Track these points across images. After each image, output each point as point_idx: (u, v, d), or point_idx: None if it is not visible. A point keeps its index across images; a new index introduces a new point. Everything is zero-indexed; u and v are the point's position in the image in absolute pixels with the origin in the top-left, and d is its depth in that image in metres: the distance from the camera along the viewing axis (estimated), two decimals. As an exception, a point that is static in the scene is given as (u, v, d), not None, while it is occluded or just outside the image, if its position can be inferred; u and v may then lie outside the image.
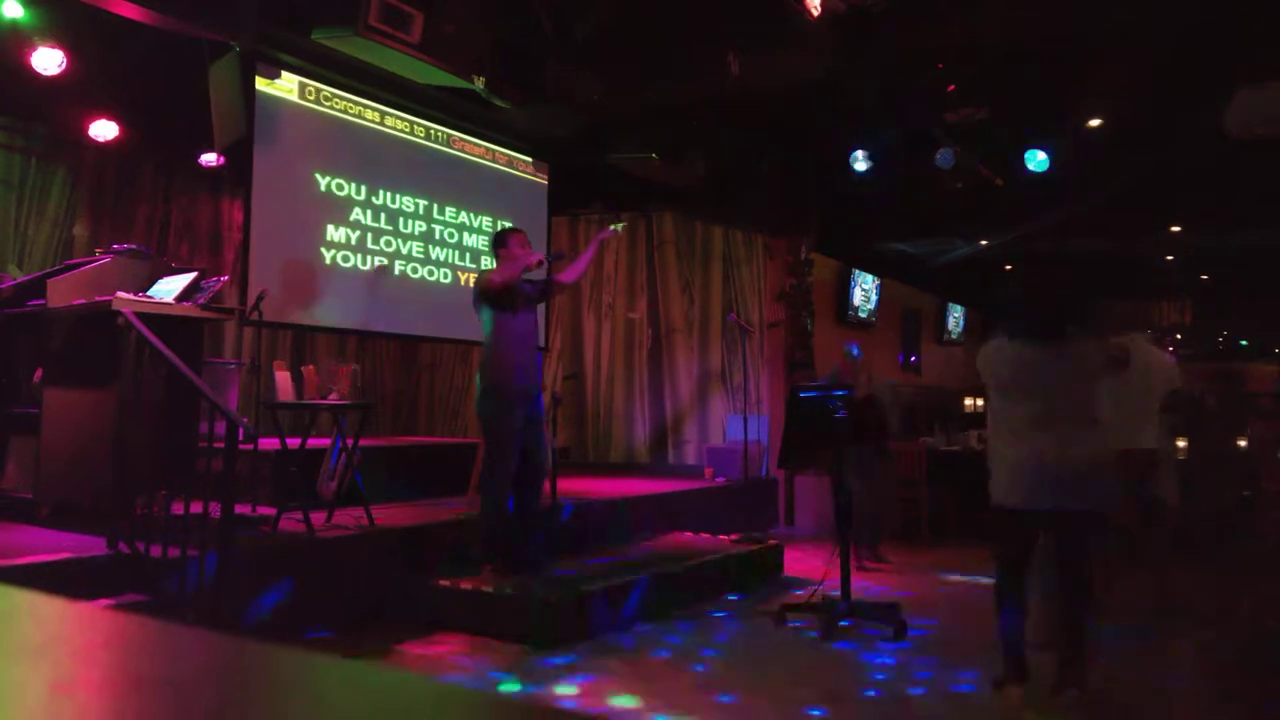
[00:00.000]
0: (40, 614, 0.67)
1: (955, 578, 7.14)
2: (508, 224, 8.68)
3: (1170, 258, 14.31)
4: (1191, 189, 9.79)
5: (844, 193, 9.19)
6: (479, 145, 8.72)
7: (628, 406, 11.07)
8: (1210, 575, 5.80)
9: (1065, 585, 4.19)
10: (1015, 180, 8.52)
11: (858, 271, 12.41)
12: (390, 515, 6.11)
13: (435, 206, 8.28)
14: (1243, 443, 8.66)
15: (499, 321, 5.59)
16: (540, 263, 5.79)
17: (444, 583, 5.44)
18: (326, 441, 6.22)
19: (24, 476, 5.31)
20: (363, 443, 6.09)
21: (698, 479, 9.78)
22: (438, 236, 8.30)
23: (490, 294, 5.55)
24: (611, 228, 6.10)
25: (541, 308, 7.00)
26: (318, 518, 5.60)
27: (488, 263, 8.52)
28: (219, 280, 5.56)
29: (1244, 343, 23.60)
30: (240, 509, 5.10)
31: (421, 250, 8.14)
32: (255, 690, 0.58)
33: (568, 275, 6.00)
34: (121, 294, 4.81)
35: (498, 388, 5.56)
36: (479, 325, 5.72)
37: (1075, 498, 4.06)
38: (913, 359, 14.71)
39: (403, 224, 7.97)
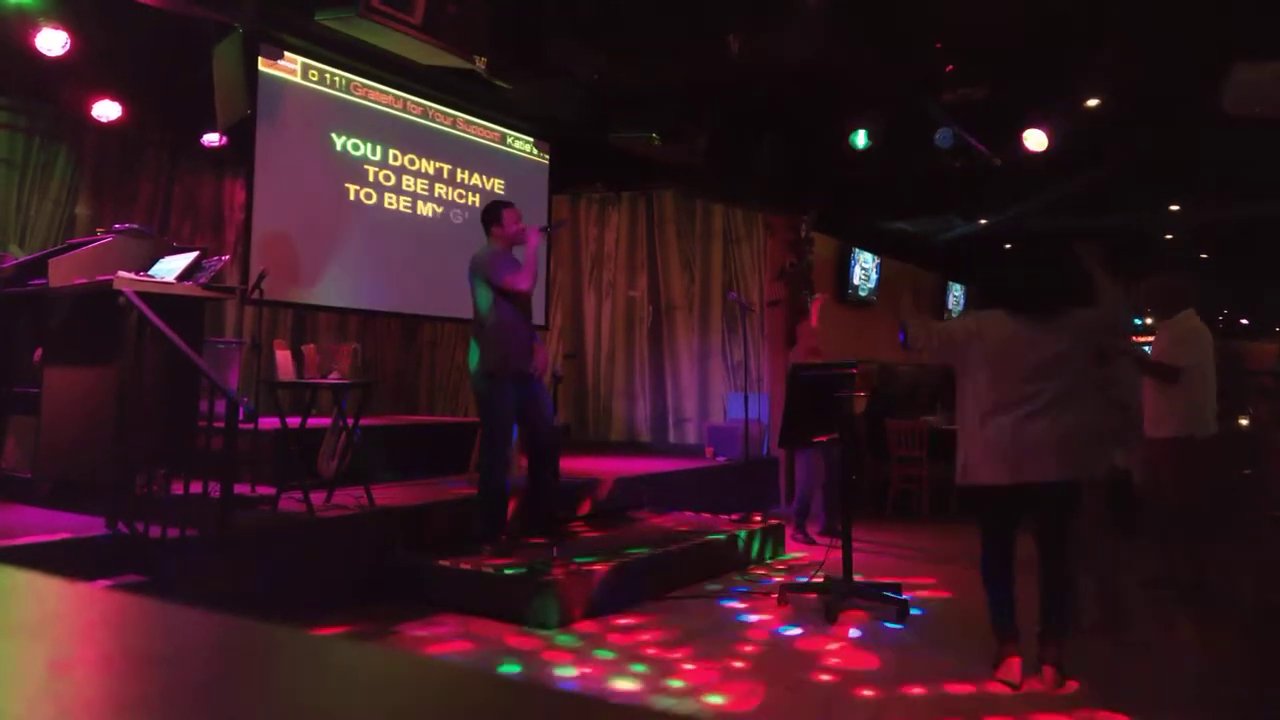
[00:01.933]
0: (39, 594, 0.68)
1: (956, 556, 7.15)
2: (508, 203, 8.69)
3: (1169, 236, 14.28)
4: (1190, 167, 9.76)
5: (844, 171, 9.16)
6: (481, 125, 8.69)
7: (628, 385, 11.08)
8: (1212, 553, 5.81)
9: (1046, 558, 4.24)
10: (1013, 160, 8.50)
11: (858, 250, 12.37)
12: (390, 494, 6.12)
13: (437, 186, 8.26)
14: (1244, 421, 8.65)
15: (499, 305, 5.59)
16: (544, 232, 5.95)
17: (444, 563, 5.45)
18: (327, 421, 6.23)
19: (23, 455, 5.32)
20: (363, 422, 6.10)
21: (698, 458, 9.79)
22: (439, 217, 8.29)
23: (504, 290, 5.54)
24: (542, 228, 6.09)
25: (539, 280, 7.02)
26: (318, 497, 5.61)
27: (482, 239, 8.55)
28: (220, 259, 5.56)
29: (1245, 321, 23.57)
30: (240, 488, 5.12)
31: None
32: (254, 670, 0.59)
33: (524, 282, 5.64)
34: (123, 273, 4.81)
35: (494, 370, 5.58)
36: (473, 303, 5.70)
37: (1062, 469, 4.09)
38: (913, 338, 14.67)
39: (404, 204, 7.95)
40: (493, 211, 5.91)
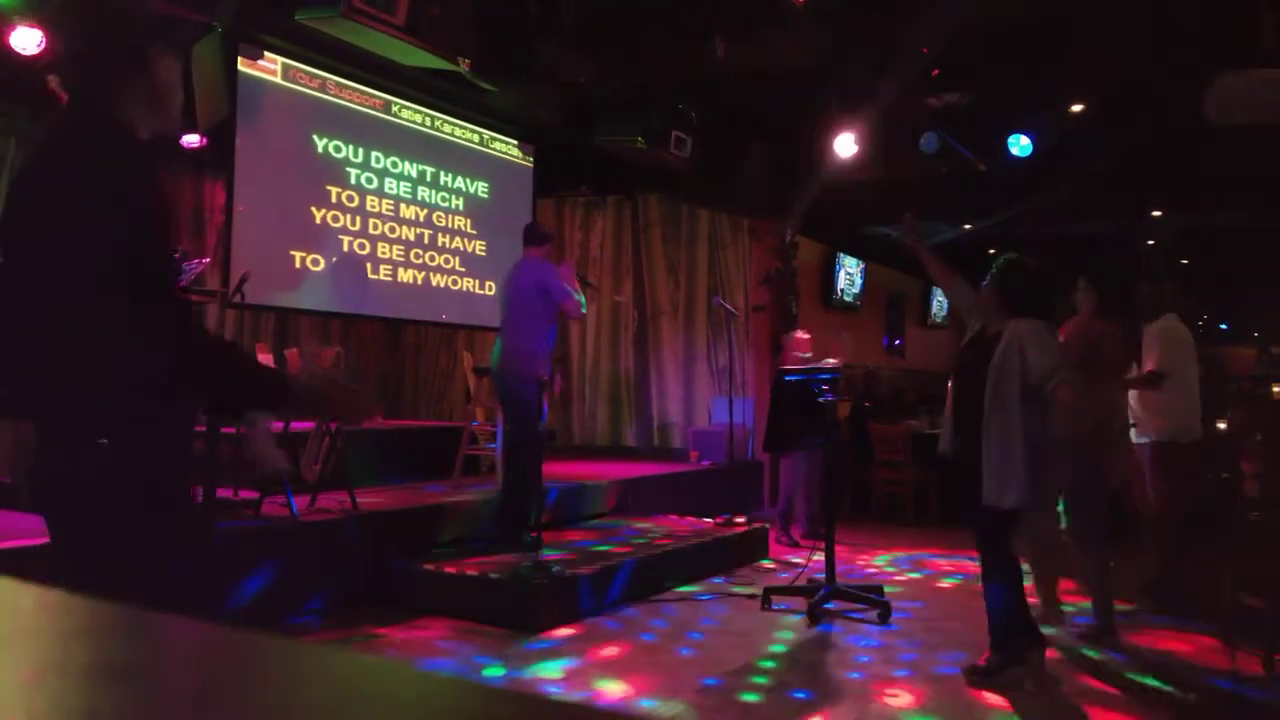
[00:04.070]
0: (15, 600, 0.66)
1: (939, 560, 7.17)
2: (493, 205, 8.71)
3: (1152, 242, 14.37)
4: (1173, 173, 9.82)
5: (829, 176, 9.18)
6: (465, 127, 8.67)
7: (613, 390, 11.06)
8: (1191, 556, 5.84)
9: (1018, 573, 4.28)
10: (998, 165, 8.53)
11: (842, 255, 12.42)
12: (374, 499, 6.10)
13: (420, 189, 8.24)
14: (1222, 426, 8.69)
15: (544, 314, 5.85)
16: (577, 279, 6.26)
17: (428, 566, 5.43)
18: (310, 425, 6.19)
19: (3, 460, 5.27)
20: (346, 426, 6.06)
21: (683, 462, 9.80)
22: (423, 220, 8.27)
23: (562, 308, 5.89)
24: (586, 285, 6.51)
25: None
26: (301, 501, 5.58)
27: (466, 242, 8.55)
28: (201, 262, 5.53)
29: (1224, 326, 23.76)
30: (222, 493, 5.08)
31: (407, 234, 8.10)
32: (235, 678, 0.58)
33: (578, 313, 6.09)
34: (102, 276, 4.76)
35: (529, 373, 5.82)
36: (514, 306, 5.94)
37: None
38: (897, 342, 14.74)
39: (387, 207, 7.92)
40: (541, 235, 6.17)
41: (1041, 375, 4.07)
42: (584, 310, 6.08)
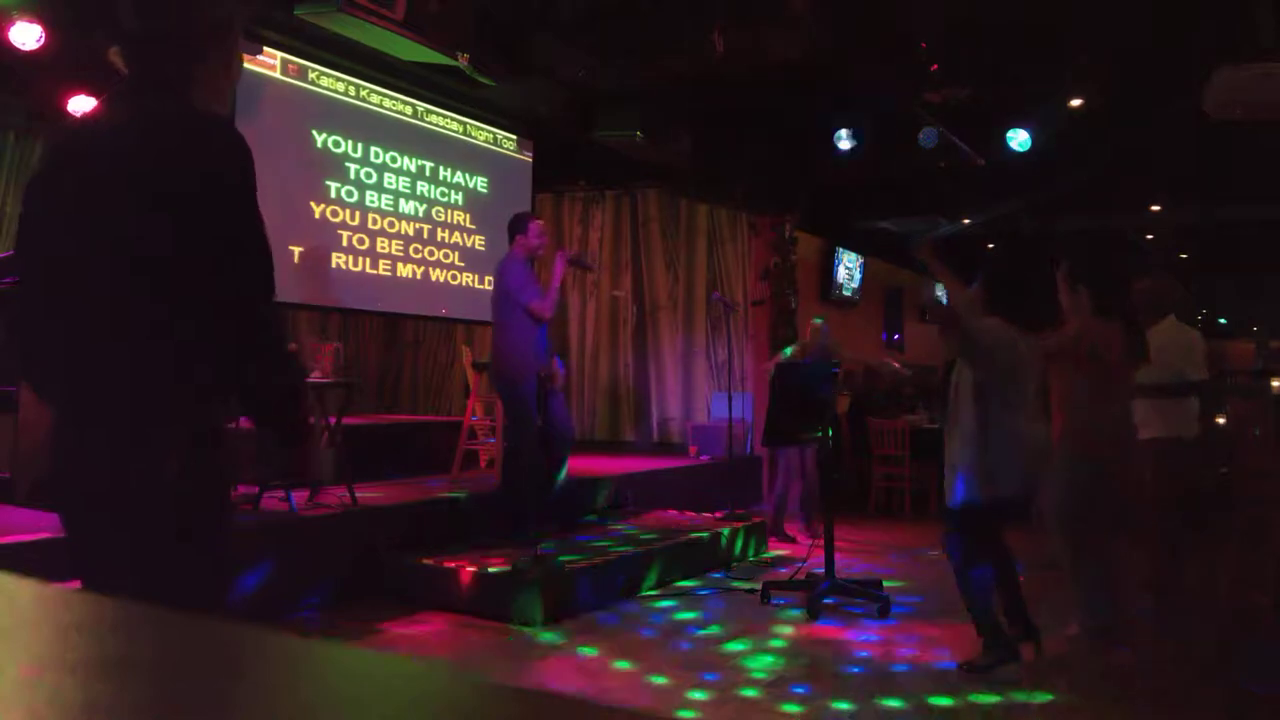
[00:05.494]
0: (14, 595, 0.66)
1: (938, 554, 7.17)
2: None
3: (1150, 236, 14.38)
4: (1171, 168, 9.82)
5: (828, 171, 9.17)
6: (464, 122, 8.66)
7: (612, 384, 11.06)
8: (1189, 551, 5.85)
9: (1007, 568, 4.27)
10: (997, 159, 8.53)
11: (841, 249, 12.41)
12: (374, 494, 6.10)
13: (419, 184, 8.23)
14: (1221, 420, 8.70)
15: (524, 316, 5.78)
16: (570, 264, 6.21)
17: (428, 561, 5.44)
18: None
19: (2, 454, 5.27)
20: (345, 421, 6.06)
21: (682, 456, 9.80)
22: (422, 215, 8.26)
23: (528, 312, 5.74)
24: (570, 260, 6.32)
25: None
26: (300, 496, 5.58)
27: (465, 237, 8.54)
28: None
29: (1222, 321, 23.79)
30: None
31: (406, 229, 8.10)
32: (234, 674, 0.58)
33: (548, 311, 5.87)
34: (100, 271, 4.75)
35: (527, 372, 5.78)
36: (497, 307, 5.93)
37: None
38: (895, 336, 14.74)
39: (386, 202, 7.91)
40: (519, 222, 6.07)
41: (984, 372, 4.09)
42: (547, 312, 5.81)
